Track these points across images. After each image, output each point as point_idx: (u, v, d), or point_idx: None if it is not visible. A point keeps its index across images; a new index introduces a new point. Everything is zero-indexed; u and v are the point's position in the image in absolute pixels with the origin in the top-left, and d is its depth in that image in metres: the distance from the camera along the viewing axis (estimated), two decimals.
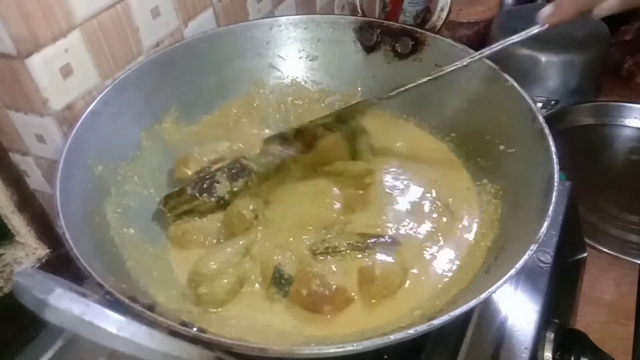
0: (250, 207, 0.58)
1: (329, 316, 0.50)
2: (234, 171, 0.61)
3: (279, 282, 0.52)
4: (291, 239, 0.57)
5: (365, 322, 0.50)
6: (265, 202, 0.60)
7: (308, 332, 0.49)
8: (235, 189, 0.59)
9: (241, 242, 0.55)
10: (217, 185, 0.59)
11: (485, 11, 1.18)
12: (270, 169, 0.62)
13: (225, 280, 0.52)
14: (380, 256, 0.55)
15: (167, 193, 0.59)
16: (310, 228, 0.58)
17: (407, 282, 0.53)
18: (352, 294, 0.52)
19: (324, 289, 0.50)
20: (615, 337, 0.79)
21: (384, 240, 0.56)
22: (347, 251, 0.55)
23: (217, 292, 0.51)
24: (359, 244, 0.56)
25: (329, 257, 0.55)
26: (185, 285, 0.53)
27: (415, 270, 0.54)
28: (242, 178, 0.60)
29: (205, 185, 0.59)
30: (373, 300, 0.52)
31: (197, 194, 0.58)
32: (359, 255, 0.55)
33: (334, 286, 0.51)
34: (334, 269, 0.54)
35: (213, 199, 0.59)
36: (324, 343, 0.38)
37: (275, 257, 0.54)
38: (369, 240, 0.56)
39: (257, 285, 0.54)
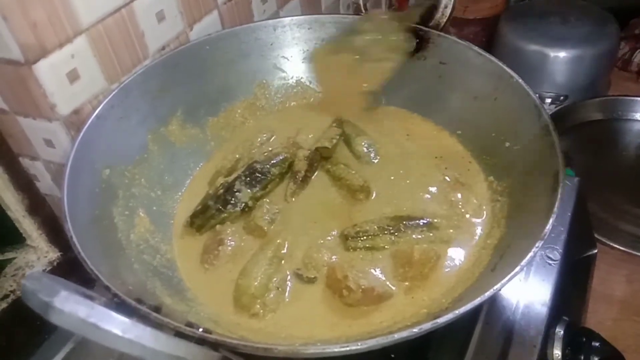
0: (266, 218, 0.58)
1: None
2: (250, 177, 0.61)
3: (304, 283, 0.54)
4: (313, 236, 0.57)
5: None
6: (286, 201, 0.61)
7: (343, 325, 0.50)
8: (257, 194, 0.60)
9: (269, 253, 0.55)
10: (239, 194, 0.60)
11: (491, 8, 1.17)
12: (283, 168, 0.63)
13: (272, 294, 0.52)
14: (413, 238, 0.56)
15: (191, 213, 0.60)
16: (330, 222, 0.58)
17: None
18: (381, 290, 0.52)
19: (352, 294, 0.51)
20: (628, 334, 0.78)
21: (417, 222, 0.57)
22: (379, 235, 0.55)
23: (269, 304, 0.52)
24: (389, 227, 0.56)
25: (359, 247, 0.55)
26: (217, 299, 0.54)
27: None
28: (260, 182, 0.61)
29: (227, 197, 0.60)
30: (407, 283, 0.52)
31: (222, 208, 0.59)
32: (391, 238, 0.55)
33: (362, 287, 0.51)
34: (364, 262, 0.54)
35: (238, 208, 0.59)
36: (328, 342, 0.38)
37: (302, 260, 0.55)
38: (401, 223, 0.56)
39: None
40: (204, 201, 0.61)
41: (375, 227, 0.56)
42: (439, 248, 0.55)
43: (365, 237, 0.56)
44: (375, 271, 0.54)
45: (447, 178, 0.62)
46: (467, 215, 0.58)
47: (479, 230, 0.56)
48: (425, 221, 0.57)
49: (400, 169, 0.63)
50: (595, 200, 0.90)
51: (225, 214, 0.59)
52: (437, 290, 0.52)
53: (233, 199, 0.59)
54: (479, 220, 0.57)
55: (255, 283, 0.52)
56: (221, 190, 0.61)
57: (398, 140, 0.67)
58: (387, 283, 0.53)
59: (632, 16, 1.20)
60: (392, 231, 0.56)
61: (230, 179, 0.62)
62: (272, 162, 0.63)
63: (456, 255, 0.55)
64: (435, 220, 0.57)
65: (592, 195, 0.76)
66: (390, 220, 0.57)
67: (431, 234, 0.56)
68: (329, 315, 0.51)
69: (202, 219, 0.59)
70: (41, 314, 0.31)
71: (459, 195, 0.60)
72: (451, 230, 0.56)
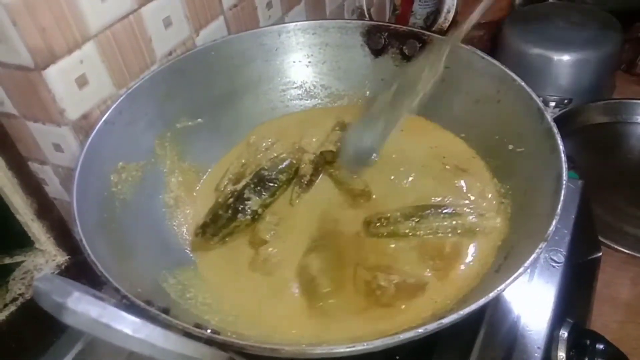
0: (271, 232, 0.59)
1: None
2: (259, 185, 0.62)
3: (315, 295, 0.53)
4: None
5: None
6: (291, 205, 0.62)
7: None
8: (266, 201, 0.61)
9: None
10: (249, 202, 0.60)
11: (495, 12, 1.18)
12: (290, 174, 0.64)
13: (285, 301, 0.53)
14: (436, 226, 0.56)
15: (201, 224, 0.60)
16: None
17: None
18: (414, 280, 0.52)
19: (386, 292, 0.51)
20: (633, 336, 0.79)
21: (443, 211, 0.57)
22: (401, 221, 0.56)
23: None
24: (412, 216, 0.56)
25: (381, 233, 0.56)
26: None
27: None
28: (268, 190, 0.62)
29: (238, 206, 0.60)
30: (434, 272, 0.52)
31: (233, 216, 0.59)
32: (413, 225, 0.56)
33: (394, 282, 0.51)
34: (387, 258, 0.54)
35: (249, 217, 0.60)
36: (335, 343, 0.38)
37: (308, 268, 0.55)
38: (424, 212, 0.57)
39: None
40: (213, 210, 0.61)
41: (398, 213, 0.57)
42: (465, 238, 0.55)
43: (387, 224, 0.56)
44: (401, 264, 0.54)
45: (447, 167, 0.63)
46: (480, 200, 0.58)
47: (483, 234, 0.56)
48: (448, 210, 0.57)
49: (401, 167, 0.64)
50: (600, 203, 0.91)
51: (237, 223, 0.59)
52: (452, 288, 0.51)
53: (243, 207, 0.60)
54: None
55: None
56: (231, 199, 0.61)
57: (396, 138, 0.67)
58: (418, 272, 0.53)
59: (635, 19, 1.20)
60: (414, 219, 0.56)
61: (239, 187, 0.62)
62: (279, 167, 0.64)
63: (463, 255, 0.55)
64: (457, 209, 0.57)
65: (596, 198, 0.76)
66: (413, 209, 0.57)
67: (454, 222, 0.56)
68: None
69: (213, 229, 0.59)
70: (54, 315, 0.32)
71: (463, 182, 0.60)
72: (474, 218, 0.56)
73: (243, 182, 0.63)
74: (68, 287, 0.32)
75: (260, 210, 0.60)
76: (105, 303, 0.33)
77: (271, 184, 0.62)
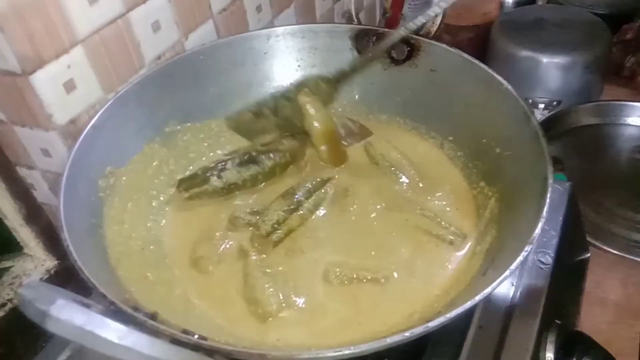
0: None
1: None
2: (243, 161, 0.63)
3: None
4: None
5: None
6: None
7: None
8: (243, 178, 0.62)
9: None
10: (226, 172, 0.61)
11: (485, 15, 1.18)
12: (276, 163, 0.64)
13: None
14: None
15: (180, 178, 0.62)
16: None
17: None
18: None
19: None
20: (623, 337, 0.79)
21: None
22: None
23: None
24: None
25: None
26: None
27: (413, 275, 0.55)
28: (249, 169, 0.62)
29: (214, 172, 0.61)
30: None
31: (207, 179, 0.61)
32: None
33: None
34: None
35: (219, 185, 0.61)
36: (321, 347, 0.39)
37: None
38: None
39: None
40: (197, 170, 0.63)
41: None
42: None
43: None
44: None
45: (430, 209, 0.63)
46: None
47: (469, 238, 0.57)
48: None
49: None
50: (589, 204, 0.91)
51: (207, 186, 0.61)
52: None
53: (219, 173, 0.61)
54: None
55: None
56: (213, 165, 0.62)
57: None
58: None
59: (623, 22, 1.21)
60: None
61: (226, 158, 0.63)
62: (269, 154, 0.64)
63: (447, 261, 0.56)
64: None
65: (585, 199, 0.76)
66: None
67: None
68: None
69: (188, 183, 0.61)
70: (38, 323, 0.32)
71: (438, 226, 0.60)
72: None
73: (232, 156, 0.64)
74: (53, 295, 0.32)
75: (233, 185, 0.61)
76: (91, 310, 0.33)
77: (254, 165, 0.63)
